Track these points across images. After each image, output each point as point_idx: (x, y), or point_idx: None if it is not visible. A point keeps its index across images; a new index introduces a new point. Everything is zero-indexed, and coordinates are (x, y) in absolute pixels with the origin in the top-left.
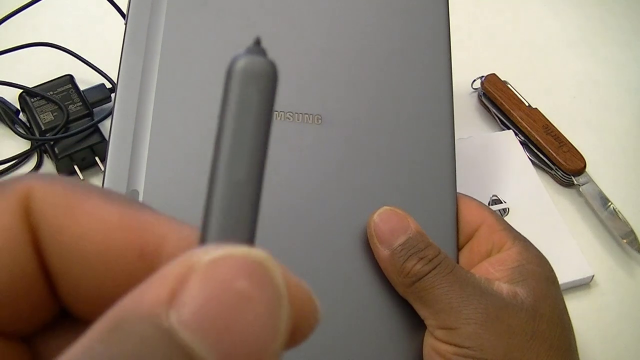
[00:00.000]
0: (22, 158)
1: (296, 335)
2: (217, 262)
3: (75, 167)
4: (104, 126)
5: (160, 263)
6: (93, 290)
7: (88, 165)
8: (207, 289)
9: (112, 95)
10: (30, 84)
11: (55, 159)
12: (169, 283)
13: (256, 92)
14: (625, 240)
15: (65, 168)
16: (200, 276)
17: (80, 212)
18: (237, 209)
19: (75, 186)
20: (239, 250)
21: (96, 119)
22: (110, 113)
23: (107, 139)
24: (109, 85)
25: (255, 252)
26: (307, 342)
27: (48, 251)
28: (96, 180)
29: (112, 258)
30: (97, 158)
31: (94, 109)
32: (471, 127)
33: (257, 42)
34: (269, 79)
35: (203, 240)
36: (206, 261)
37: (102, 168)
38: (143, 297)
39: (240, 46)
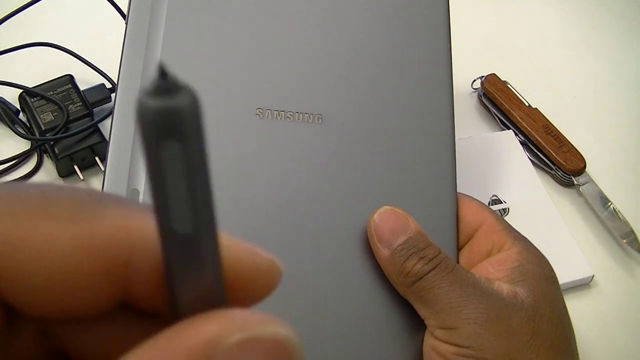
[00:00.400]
0: (22, 158)
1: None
2: (244, 346)
3: (75, 167)
4: (104, 126)
5: (133, 273)
6: (51, 300)
7: (88, 165)
8: None
9: (112, 95)
10: (30, 84)
11: (55, 159)
12: None
13: (178, 150)
14: (625, 240)
15: (65, 168)
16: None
17: (24, 250)
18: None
19: (15, 212)
20: (267, 333)
21: (96, 119)
22: (110, 113)
23: (107, 139)
24: (109, 85)
25: (281, 335)
26: (308, 342)
27: None
28: (96, 181)
29: (74, 283)
30: (97, 158)
31: (94, 109)
32: (471, 127)
33: (162, 71)
34: (190, 123)
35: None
36: (232, 344)
37: (102, 168)
38: None
39: (240, 45)
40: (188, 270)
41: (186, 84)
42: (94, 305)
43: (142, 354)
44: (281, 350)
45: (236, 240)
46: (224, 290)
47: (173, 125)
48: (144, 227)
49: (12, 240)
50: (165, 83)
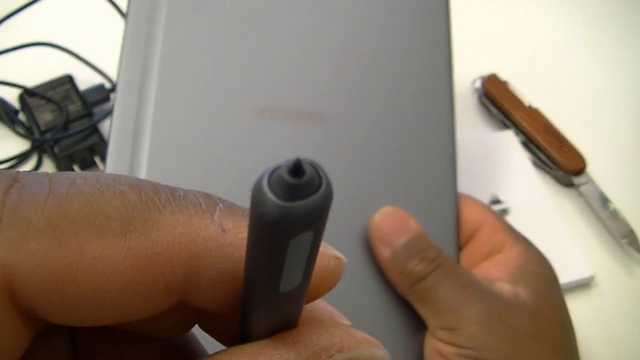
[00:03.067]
0: (21, 158)
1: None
2: None
3: (75, 167)
4: (104, 126)
5: (194, 284)
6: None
7: (88, 165)
8: None
9: (112, 95)
10: (29, 84)
11: (55, 159)
12: None
13: (307, 239)
14: (625, 240)
15: (64, 168)
16: None
17: (69, 274)
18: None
19: (59, 231)
20: (363, 354)
21: (96, 119)
22: (110, 113)
23: (107, 139)
24: (108, 85)
25: (377, 353)
26: None
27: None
28: None
29: (127, 299)
30: (97, 158)
31: (93, 109)
32: (471, 127)
33: (297, 169)
34: (322, 217)
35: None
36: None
37: (102, 168)
38: None
39: (240, 45)
40: (274, 310)
41: (322, 174)
42: (146, 313)
43: (258, 352)
44: None
45: None
46: (299, 315)
47: (305, 223)
48: (206, 235)
49: (56, 265)
50: (300, 183)
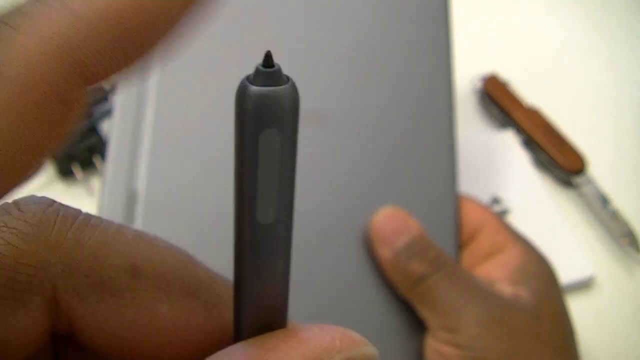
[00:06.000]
0: None
1: None
2: None
3: (74, 167)
4: (104, 126)
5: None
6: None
7: (87, 165)
8: None
9: (112, 95)
10: None
11: (55, 159)
12: None
13: (276, 138)
14: (625, 240)
15: (64, 168)
16: None
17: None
18: (272, 261)
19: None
20: (359, 352)
21: (96, 119)
22: (110, 113)
23: (107, 139)
24: (108, 85)
25: (370, 352)
26: None
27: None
28: (95, 180)
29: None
30: (96, 158)
31: (93, 109)
32: (471, 127)
33: (268, 59)
34: (290, 113)
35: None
36: None
37: (102, 168)
38: None
39: (240, 45)
40: (261, 268)
41: (288, 75)
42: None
43: (255, 353)
44: None
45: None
46: (287, 311)
47: (275, 113)
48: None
49: None
50: (270, 71)
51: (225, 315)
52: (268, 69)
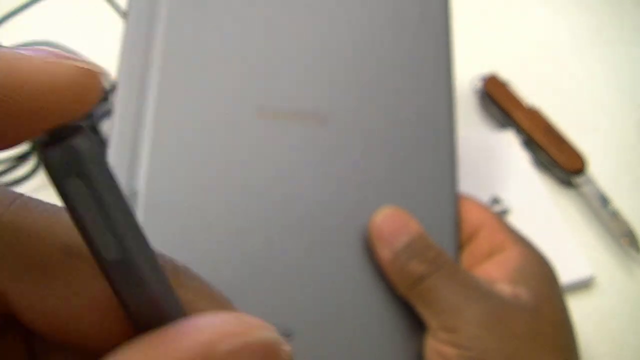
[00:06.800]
0: (21, 158)
1: None
2: (238, 352)
3: None
4: (104, 126)
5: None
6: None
7: None
8: None
9: (112, 95)
10: None
11: None
12: None
13: (80, 185)
14: (625, 240)
15: None
16: None
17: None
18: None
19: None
20: (258, 338)
21: (96, 119)
22: (110, 113)
23: (107, 139)
24: (108, 85)
25: (271, 339)
26: (308, 343)
27: None
28: None
29: None
30: None
31: (93, 109)
32: (471, 127)
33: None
34: (88, 161)
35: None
36: (226, 350)
37: None
38: None
39: (241, 45)
40: (130, 291)
41: (82, 125)
42: None
43: (133, 355)
44: (270, 353)
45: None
46: (178, 299)
47: (69, 166)
48: None
49: None
50: (60, 129)
51: None
52: (58, 128)
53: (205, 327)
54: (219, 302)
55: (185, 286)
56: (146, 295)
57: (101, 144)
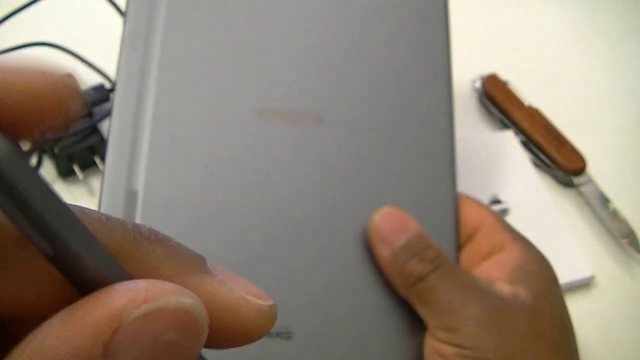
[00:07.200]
0: None
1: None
2: (149, 317)
3: (75, 167)
4: (104, 126)
5: None
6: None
7: (87, 165)
8: (139, 345)
9: (112, 95)
10: None
11: (55, 159)
12: (100, 337)
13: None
14: (625, 240)
15: (64, 168)
16: (131, 332)
17: None
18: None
19: None
20: (171, 303)
21: (96, 119)
22: (109, 113)
23: (107, 139)
24: (108, 85)
25: (185, 304)
26: (308, 342)
27: None
28: (95, 181)
29: None
30: (96, 158)
31: (93, 109)
32: (471, 127)
33: None
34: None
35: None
36: (137, 316)
37: (102, 168)
38: (75, 349)
39: (239, 45)
40: (73, 278)
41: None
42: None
43: (48, 329)
44: (185, 319)
45: (225, 287)
46: (119, 267)
47: None
48: None
49: None
50: None
51: None
52: None
53: (119, 293)
54: (187, 266)
55: (148, 253)
56: (90, 278)
57: (18, 146)
